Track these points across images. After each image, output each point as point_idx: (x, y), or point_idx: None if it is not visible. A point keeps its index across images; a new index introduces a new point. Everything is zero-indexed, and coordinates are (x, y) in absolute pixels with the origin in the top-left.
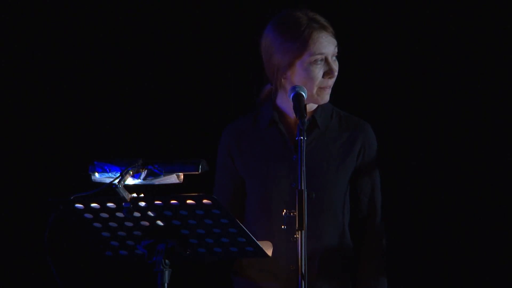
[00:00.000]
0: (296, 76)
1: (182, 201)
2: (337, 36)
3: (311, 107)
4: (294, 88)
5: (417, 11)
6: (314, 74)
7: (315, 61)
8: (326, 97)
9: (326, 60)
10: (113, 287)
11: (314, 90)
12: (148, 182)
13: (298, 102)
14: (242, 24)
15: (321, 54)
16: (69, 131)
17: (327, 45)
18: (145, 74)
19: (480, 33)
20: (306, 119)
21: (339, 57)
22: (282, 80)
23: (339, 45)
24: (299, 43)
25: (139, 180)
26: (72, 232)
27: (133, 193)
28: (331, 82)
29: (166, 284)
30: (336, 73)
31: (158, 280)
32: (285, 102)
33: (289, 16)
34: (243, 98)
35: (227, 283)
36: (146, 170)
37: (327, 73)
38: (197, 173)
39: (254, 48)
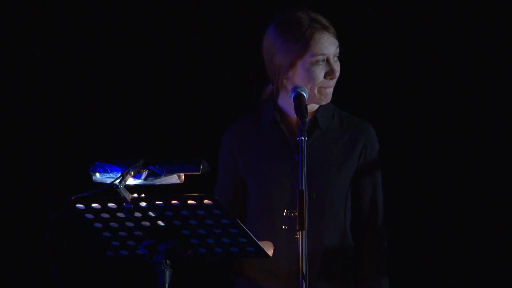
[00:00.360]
0: (297, 76)
1: (183, 201)
2: (338, 36)
3: (312, 107)
4: (295, 88)
5: (418, 11)
6: (316, 74)
7: (317, 61)
8: (327, 98)
9: (327, 61)
10: (113, 287)
11: (316, 91)
12: (149, 182)
13: (299, 102)
14: (242, 24)
15: (323, 54)
16: (70, 131)
17: (328, 45)
18: (146, 74)
19: (480, 33)
20: (307, 120)
21: (341, 57)
22: (284, 80)
23: (341, 45)
24: (300, 44)
25: (140, 181)
26: (72, 232)
27: (134, 193)
28: (332, 82)
29: (167, 285)
30: (337, 74)
31: (158, 280)
32: (287, 103)
33: (291, 16)
34: (243, 98)
35: (228, 283)
36: (147, 171)
37: (329, 73)
38: (198, 173)
39: (255, 48)
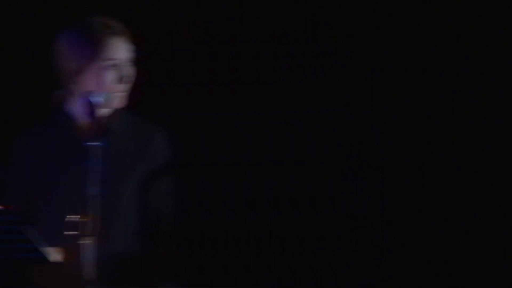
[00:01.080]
0: (88, 81)
1: None
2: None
3: (105, 112)
4: (86, 93)
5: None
6: (107, 79)
7: (107, 66)
8: (119, 102)
9: (119, 66)
10: None
11: (107, 96)
12: None
13: (90, 107)
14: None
15: (113, 59)
16: None
17: (120, 50)
18: None
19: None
20: (98, 125)
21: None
22: (74, 85)
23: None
24: (90, 48)
25: None
26: None
27: None
28: (123, 87)
29: None
30: (130, 79)
31: None
32: (77, 108)
33: (83, 22)
34: (39, 103)
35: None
36: None
37: (120, 78)
38: None
39: (47, 52)
